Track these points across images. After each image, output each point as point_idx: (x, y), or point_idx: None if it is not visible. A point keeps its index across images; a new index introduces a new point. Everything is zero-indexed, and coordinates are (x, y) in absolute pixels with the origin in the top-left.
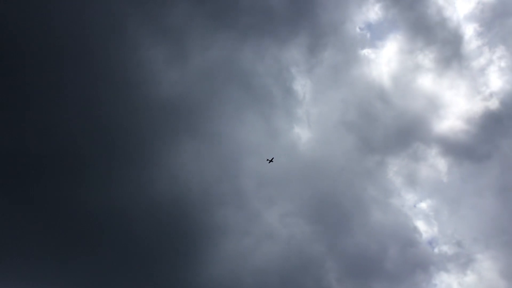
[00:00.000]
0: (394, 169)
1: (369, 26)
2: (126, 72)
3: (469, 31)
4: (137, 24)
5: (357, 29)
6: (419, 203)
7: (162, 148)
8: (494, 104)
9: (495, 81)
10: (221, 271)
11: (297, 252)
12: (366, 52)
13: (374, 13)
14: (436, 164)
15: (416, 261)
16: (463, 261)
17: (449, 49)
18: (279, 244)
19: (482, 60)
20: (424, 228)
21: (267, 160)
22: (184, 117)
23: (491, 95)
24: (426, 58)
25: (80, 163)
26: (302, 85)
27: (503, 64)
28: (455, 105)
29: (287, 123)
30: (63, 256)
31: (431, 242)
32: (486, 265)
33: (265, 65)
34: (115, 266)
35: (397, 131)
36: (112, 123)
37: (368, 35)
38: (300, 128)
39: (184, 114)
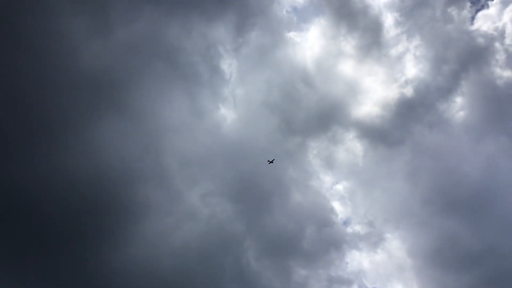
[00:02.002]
0: (314, 152)
1: (295, 9)
2: (45, 42)
3: (389, 19)
4: None
5: (284, 12)
6: (336, 185)
7: (82, 123)
8: (409, 91)
9: (411, 69)
10: (141, 251)
11: (217, 231)
12: (292, 35)
13: None
14: (353, 148)
15: (331, 240)
16: (374, 240)
17: (369, 37)
18: (200, 223)
19: (399, 48)
20: (340, 209)
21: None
22: (107, 91)
23: (406, 82)
24: (348, 44)
25: None
26: (228, 65)
27: (418, 53)
28: (373, 91)
29: (213, 103)
30: None
31: (346, 222)
32: (395, 244)
33: (192, 42)
34: (29, 247)
35: (318, 114)
36: (29, 95)
37: (295, 18)
38: (226, 109)
39: (106, 88)
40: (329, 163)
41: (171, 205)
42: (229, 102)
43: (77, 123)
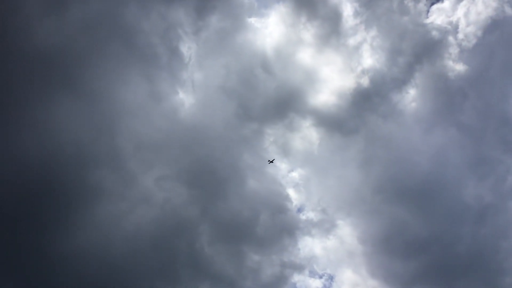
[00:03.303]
0: (271, 139)
1: None
2: None
3: (348, 9)
4: None
5: None
6: (292, 172)
7: (33, 102)
8: (365, 81)
9: (367, 60)
10: (92, 236)
11: (171, 216)
12: (252, 20)
13: None
14: (309, 136)
15: (285, 227)
16: (327, 227)
17: (329, 26)
18: (154, 208)
19: (358, 38)
20: (294, 196)
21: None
22: (59, 70)
23: (363, 72)
24: (308, 32)
25: None
26: (188, 48)
27: (375, 43)
28: (330, 80)
29: (171, 87)
30: None
31: (300, 209)
32: (347, 230)
33: (151, 22)
34: None
35: (276, 101)
36: None
37: (256, 3)
38: (184, 93)
39: (59, 67)
40: (285, 151)
41: (124, 189)
42: (187, 86)
43: (27, 102)
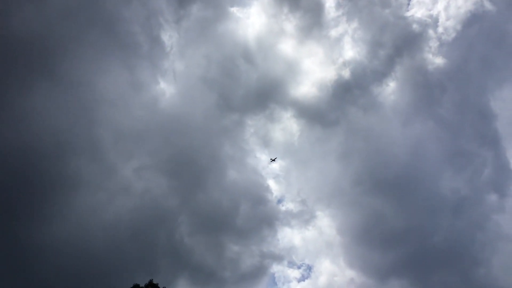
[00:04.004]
0: (251, 130)
1: None
2: None
3: (330, 0)
4: None
5: None
6: (272, 163)
7: (10, 89)
8: (346, 73)
9: (348, 52)
10: (71, 226)
11: (151, 206)
12: (234, 10)
13: None
14: (290, 127)
15: (264, 217)
16: (306, 218)
17: (311, 17)
18: (134, 198)
19: (339, 30)
20: (274, 187)
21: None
22: (39, 58)
23: (344, 64)
24: (290, 23)
25: None
26: (169, 37)
27: (356, 35)
28: (312, 72)
29: (152, 76)
30: None
31: (280, 200)
32: (326, 221)
33: (132, 10)
34: None
35: (257, 92)
36: None
37: None
38: (165, 83)
39: (38, 55)
40: (266, 142)
41: (103, 179)
42: (168, 76)
43: (4, 89)
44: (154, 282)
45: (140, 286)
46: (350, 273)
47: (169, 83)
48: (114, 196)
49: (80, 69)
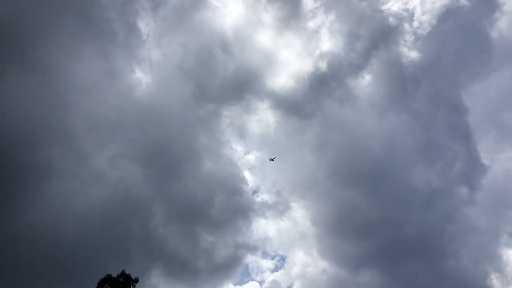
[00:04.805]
0: (227, 121)
1: None
2: None
3: None
4: None
5: None
6: (248, 155)
7: None
8: (323, 65)
9: (325, 44)
10: (43, 215)
11: (125, 196)
12: None
13: None
14: (266, 118)
15: (239, 208)
16: (281, 209)
17: (289, 8)
18: (107, 187)
19: (317, 21)
20: (250, 178)
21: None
22: (10, 43)
23: (321, 56)
24: (268, 14)
25: None
26: (145, 24)
27: (333, 28)
28: (289, 63)
29: (128, 65)
30: None
31: (255, 191)
32: (300, 213)
33: None
34: None
35: (234, 82)
36: None
37: None
38: (142, 72)
39: (10, 40)
40: (242, 133)
41: (77, 167)
42: (145, 65)
43: None
44: (127, 272)
45: (113, 276)
46: (323, 264)
47: (145, 72)
48: (87, 185)
49: (53, 55)
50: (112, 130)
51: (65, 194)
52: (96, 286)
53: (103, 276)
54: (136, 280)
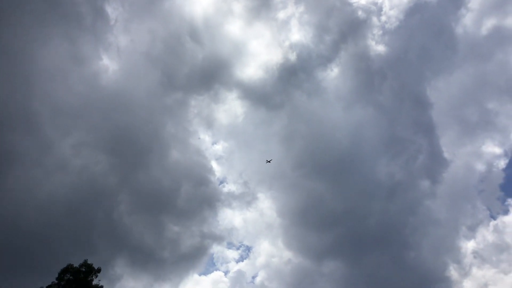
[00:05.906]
0: (195, 111)
1: None
2: None
3: None
4: None
5: None
6: (215, 145)
7: None
8: (292, 57)
9: (295, 35)
10: (3, 203)
11: (89, 184)
12: None
13: None
14: (234, 109)
15: (206, 198)
16: (247, 200)
17: None
18: (71, 175)
19: (287, 12)
20: (217, 169)
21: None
22: None
23: (290, 47)
24: (238, 4)
25: None
26: (113, 9)
27: (303, 19)
28: (258, 54)
29: (95, 50)
30: None
31: (222, 182)
32: (267, 204)
33: None
34: None
35: (202, 71)
36: None
37: None
38: (108, 58)
39: None
40: (209, 122)
41: (39, 155)
42: (112, 51)
43: None
44: (89, 262)
45: (74, 266)
46: (288, 254)
47: (112, 58)
48: (50, 173)
49: (17, 38)
50: (77, 117)
51: (27, 182)
52: (57, 276)
53: (64, 266)
54: (99, 270)
